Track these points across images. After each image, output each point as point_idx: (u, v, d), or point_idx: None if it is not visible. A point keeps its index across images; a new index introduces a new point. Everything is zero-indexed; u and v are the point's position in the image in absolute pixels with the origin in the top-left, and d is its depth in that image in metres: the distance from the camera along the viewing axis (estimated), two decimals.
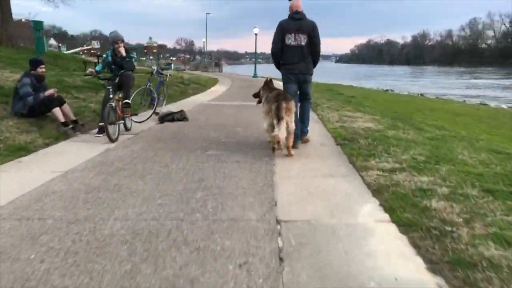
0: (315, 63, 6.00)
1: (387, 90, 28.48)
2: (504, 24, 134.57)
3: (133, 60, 7.63)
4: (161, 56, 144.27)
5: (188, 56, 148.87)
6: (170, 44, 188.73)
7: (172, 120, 8.50)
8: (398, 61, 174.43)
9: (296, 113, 5.58)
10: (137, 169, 4.74)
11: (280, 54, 5.84)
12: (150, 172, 4.61)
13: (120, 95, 7.13)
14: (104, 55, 7.87)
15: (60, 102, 6.94)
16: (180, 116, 8.63)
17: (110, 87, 6.72)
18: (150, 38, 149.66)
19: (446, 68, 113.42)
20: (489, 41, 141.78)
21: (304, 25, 5.74)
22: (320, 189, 4.02)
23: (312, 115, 7.39)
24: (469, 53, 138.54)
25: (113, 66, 7.38)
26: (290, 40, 5.72)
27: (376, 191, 3.85)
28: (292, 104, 5.25)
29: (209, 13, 62.92)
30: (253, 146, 6.12)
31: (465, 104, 23.32)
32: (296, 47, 5.73)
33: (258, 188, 4.04)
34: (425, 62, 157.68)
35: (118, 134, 6.60)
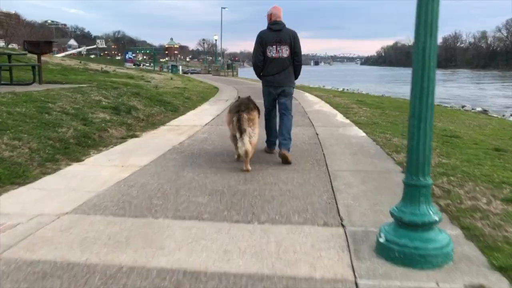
0: (297, 74, 5.49)
1: (504, 116, 17.00)
2: None
3: None
4: (181, 57, 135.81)
5: (210, 57, 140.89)
6: (192, 46, 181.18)
7: None
8: None
9: (273, 124, 5.56)
10: None
11: (262, 66, 5.36)
12: None
13: None
14: None
15: None
16: None
17: None
18: (171, 39, 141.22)
19: (491, 72, 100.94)
20: None
21: (285, 36, 5.24)
22: None
23: None
24: (505, 56, 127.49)
25: None
26: (272, 52, 5.26)
27: None
28: (255, 114, 4.90)
29: (224, 8, 52.22)
30: None
31: None
32: (277, 59, 5.26)
33: None
34: (457, 65, 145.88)
35: None
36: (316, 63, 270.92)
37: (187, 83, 20.51)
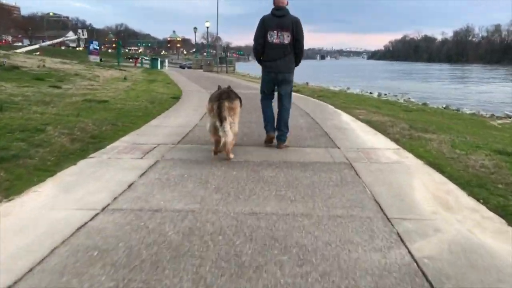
0: (297, 61, 5.16)
1: None
2: None
3: None
4: (183, 50, 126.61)
5: (214, 51, 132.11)
6: (196, 39, 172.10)
7: None
8: (437, 58, 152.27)
9: (270, 112, 5.15)
10: None
11: (262, 51, 5.03)
12: None
13: None
14: None
15: None
16: None
17: None
18: (174, 32, 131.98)
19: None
20: None
21: (286, 22, 4.90)
22: None
23: None
24: None
25: None
26: (273, 37, 4.91)
27: None
28: (236, 103, 4.45)
29: None
30: None
31: None
32: (278, 44, 4.91)
33: None
34: (469, 59, 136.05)
35: None
36: (323, 57, 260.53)
37: (135, 87, 11.81)
